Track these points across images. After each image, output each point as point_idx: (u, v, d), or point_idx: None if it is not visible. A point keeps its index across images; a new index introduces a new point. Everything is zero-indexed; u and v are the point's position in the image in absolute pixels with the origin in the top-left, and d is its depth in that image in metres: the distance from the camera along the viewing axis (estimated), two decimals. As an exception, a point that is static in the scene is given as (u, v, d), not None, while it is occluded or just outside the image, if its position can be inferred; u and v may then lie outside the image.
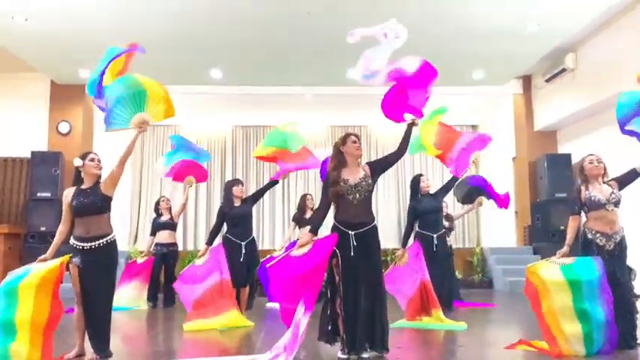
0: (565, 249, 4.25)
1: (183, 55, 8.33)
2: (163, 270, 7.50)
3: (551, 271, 4.07)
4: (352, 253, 3.88)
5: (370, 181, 4.03)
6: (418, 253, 5.60)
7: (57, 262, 3.68)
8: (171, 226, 7.56)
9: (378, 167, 4.19)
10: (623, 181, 4.36)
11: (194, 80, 9.38)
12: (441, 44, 7.87)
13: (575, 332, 3.93)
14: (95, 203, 3.97)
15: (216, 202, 10.44)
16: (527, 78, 10.04)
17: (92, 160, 4.09)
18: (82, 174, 4.08)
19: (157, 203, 7.77)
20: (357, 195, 3.97)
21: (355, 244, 3.89)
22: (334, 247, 3.91)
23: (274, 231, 10.80)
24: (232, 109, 10.59)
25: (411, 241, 5.86)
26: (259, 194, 6.34)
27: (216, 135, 11.06)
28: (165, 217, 7.59)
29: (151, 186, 10.76)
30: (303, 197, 7.51)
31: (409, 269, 5.53)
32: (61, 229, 4.04)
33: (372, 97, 10.21)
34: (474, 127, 11.33)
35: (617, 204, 4.22)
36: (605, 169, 4.35)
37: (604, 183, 4.33)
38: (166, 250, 7.47)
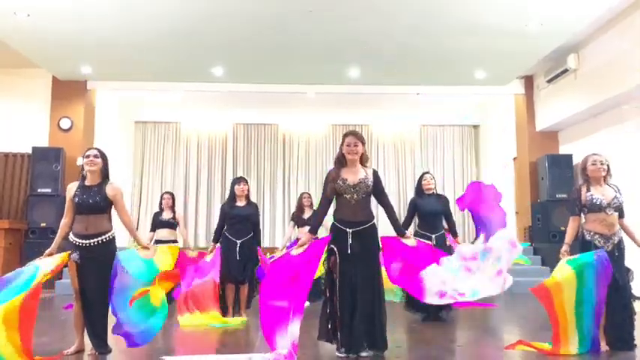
0: (565, 247, 4.25)
1: (184, 53, 8.32)
2: None
3: (562, 269, 4.08)
4: (350, 251, 3.88)
5: (370, 183, 4.02)
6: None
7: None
8: (171, 225, 7.48)
9: (377, 189, 4.09)
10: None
11: (195, 78, 9.38)
12: (442, 44, 7.86)
13: (572, 323, 3.97)
14: (97, 202, 4.00)
15: (217, 200, 10.46)
16: (529, 78, 10.03)
17: (87, 157, 4.10)
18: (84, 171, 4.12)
19: (161, 197, 7.70)
20: (356, 195, 3.97)
21: (352, 241, 3.89)
22: (333, 246, 3.93)
23: (274, 229, 10.82)
24: (233, 107, 10.60)
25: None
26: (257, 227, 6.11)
27: (218, 132, 11.06)
28: (166, 215, 7.48)
29: (152, 182, 10.77)
30: (301, 196, 7.54)
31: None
32: (64, 222, 4.09)
33: (373, 95, 10.31)
34: (475, 127, 11.34)
35: (617, 209, 4.19)
36: (608, 170, 4.31)
37: (607, 185, 4.29)
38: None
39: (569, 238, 4.32)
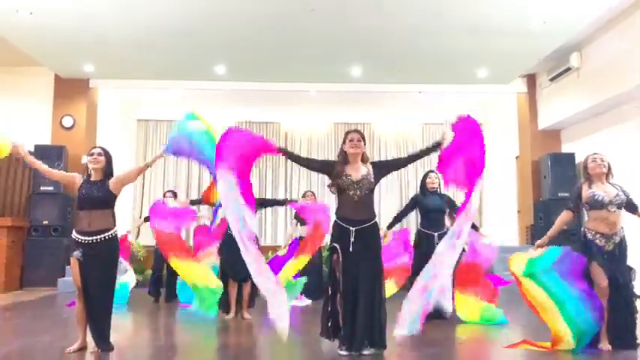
0: (543, 239, 4.28)
1: (186, 51, 8.33)
2: (165, 264, 7.46)
3: (518, 265, 4.14)
4: (352, 249, 3.89)
5: (372, 179, 4.04)
6: (406, 241, 6.24)
7: None
8: None
9: (384, 168, 4.19)
10: (627, 206, 4.26)
11: (198, 76, 9.38)
12: (444, 43, 7.85)
13: (560, 321, 4.01)
14: (101, 198, 4.03)
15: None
16: (531, 77, 10.01)
17: (91, 154, 4.16)
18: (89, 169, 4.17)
19: (164, 196, 7.71)
20: (358, 192, 3.99)
21: (355, 239, 3.90)
22: (335, 244, 3.95)
23: (276, 227, 10.82)
24: (236, 105, 10.60)
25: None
26: (267, 203, 6.37)
27: (220, 131, 11.06)
28: None
29: (154, 180, 10.78)
30: (304, 195, 7.60)
31: (389, 251, 5.96)
32: (54, 171, 4.31)
33: (374, 94, 10.28)
34: (477, 125, 11.31)
35: (620, 206, 4.17)
36: (609, 169, 4.30)
37: (609, 183, 4.28)
38: None
39: (552, 230, 4.34)
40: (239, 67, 9.04)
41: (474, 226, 6.03)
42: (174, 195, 7.62)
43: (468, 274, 5.52)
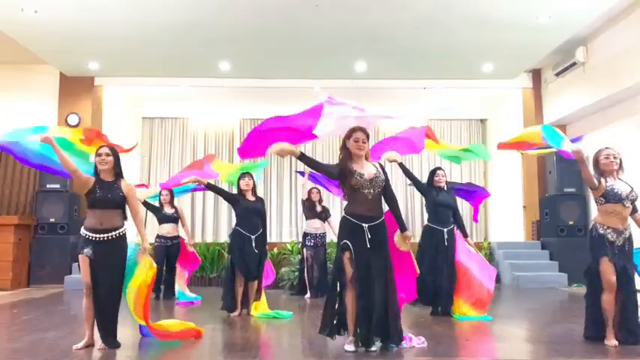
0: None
1: (191, 48, 8.33)
2: (165, 262, 7.46)
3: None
4: (368, 246, 3.89)
5: (383, 177, 4.04)
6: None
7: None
8: (174, 219, 7.49)
9: (386, 183, 4.13)
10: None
11: (202, 73, 9.38)
12: (450, 37, 7.82)
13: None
14: (113, 199, 4.06)
15: (224, 195, 10.47)
16: (537, 72, 9.97)
17: (99, 155, 4.16)
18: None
19: (160, 193, 7.71)
20: (372, 190, 3.98)
21: (370, 236, 3.90)
22: (347, 241, 3.93)
23: (281, 224, 10.82)
24: (240, 102, 10.60)
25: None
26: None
27: (224, 128, 11.07)
28: (168, 210, 7.51)
29: (160, 177, 10.79)
30: (310, 191, 7.68)
31: None
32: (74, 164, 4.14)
33: (379, 90, 10.26)
34: (482, 121, 11.28)
35: (633, 201, 4.18)
36: (620, 164, 4.29)
37: (619, 179, 4.27)
38: (170, 243, 7.43)
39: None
40: (243, 63, 9.03)
41: (463, 232, 6.02)
42: (170, 193, 7.54)
43: (462, 278, 5.57)
